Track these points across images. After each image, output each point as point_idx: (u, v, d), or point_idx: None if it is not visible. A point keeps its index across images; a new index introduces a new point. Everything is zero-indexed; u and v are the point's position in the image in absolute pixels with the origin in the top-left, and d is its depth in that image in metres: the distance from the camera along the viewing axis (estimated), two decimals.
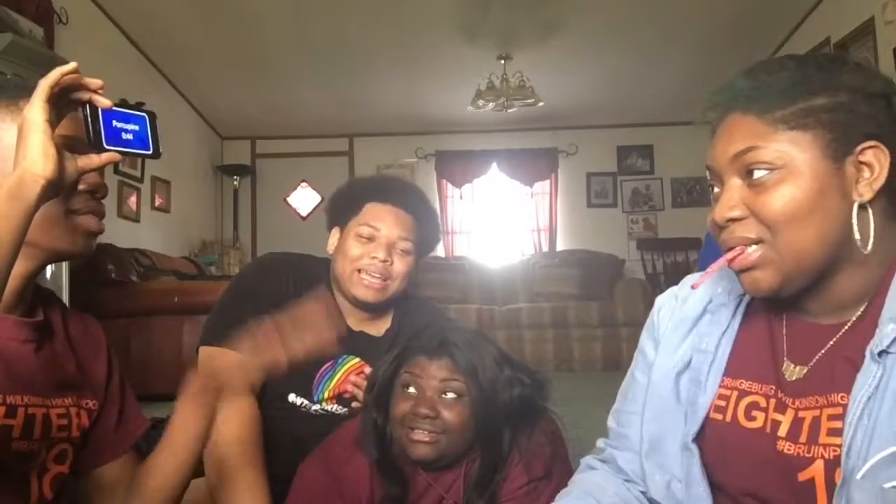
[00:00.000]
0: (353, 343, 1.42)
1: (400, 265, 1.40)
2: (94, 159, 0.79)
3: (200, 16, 4.78)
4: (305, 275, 1.44)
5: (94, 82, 0.78)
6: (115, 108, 0.81)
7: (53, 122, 0.75)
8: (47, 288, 1.01)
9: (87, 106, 0.79)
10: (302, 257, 1.50)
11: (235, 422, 1.23)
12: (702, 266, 1.97)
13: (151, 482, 1.00)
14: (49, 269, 3.29)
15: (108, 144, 0.81)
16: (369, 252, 1.38)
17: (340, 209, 1.48)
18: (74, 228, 0.91)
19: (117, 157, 0.82)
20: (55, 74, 0.74)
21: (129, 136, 0.84)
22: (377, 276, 1.38)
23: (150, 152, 0.87)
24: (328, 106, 6.20)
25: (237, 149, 6.96)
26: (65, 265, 3.42)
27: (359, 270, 1.38)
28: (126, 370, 1.09)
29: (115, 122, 0.82)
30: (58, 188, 0.76)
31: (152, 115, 0.88)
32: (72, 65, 0.76)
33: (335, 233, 1.47)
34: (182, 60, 5.35)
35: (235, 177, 6.69)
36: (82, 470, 1.01)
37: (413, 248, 1.43)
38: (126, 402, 1.06)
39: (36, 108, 0.73)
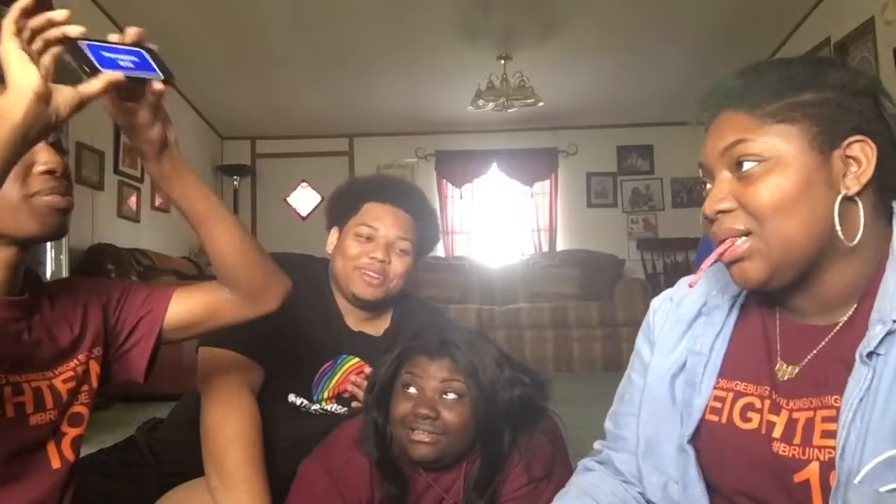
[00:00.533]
0: (352, 343, 1.43)
1: (398, 265, 1.40)
2: (94, 83, 0.76)
3: (200, 16, 4.78)
4: (304, 275, 1.44)
5: (60, 14, 0.76)
6: (90, 40, 0.77)
7: (30, 53, 0.73)
8: (31, 270, 1.01)
9: (67, 43, 0.76)
10: (301, 257, 1.50)
11: (235, 421, 1.23)
12: (697, 267, 1.98)
13: (222, 265, 1.00)
14: (49, 270, 3.30)
15: (104, 69, 0.77)
16: (368, 252, 1.38)
17: (339, 209, 1.48)
18: (39, 210, 0.91)
19: (119, 76, 0.77)
20: (15, 8, 0.74)
21: (129, 65, 0.80)
22: (375, 275, 1.38)
23: (160, 76, 0.82)
24: (328, 106, 6.20)
25: (237, 149, 6.96)
26: (65, 266, 3.43)
27: (357, 269, 1.38)
28: None
29: (104, 53, 0.78)
30: (55, 110, 0.74)
31: (150, 49, 0.84)
32: None
33: (334, 232, 1.47)
34: (182, 60, 5.32)
35: (235, 177, 6.69)
36: (155, 334, 1.03)
37: (412, 248, 1.43)
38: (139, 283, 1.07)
39: (6, 42, 0.72)
